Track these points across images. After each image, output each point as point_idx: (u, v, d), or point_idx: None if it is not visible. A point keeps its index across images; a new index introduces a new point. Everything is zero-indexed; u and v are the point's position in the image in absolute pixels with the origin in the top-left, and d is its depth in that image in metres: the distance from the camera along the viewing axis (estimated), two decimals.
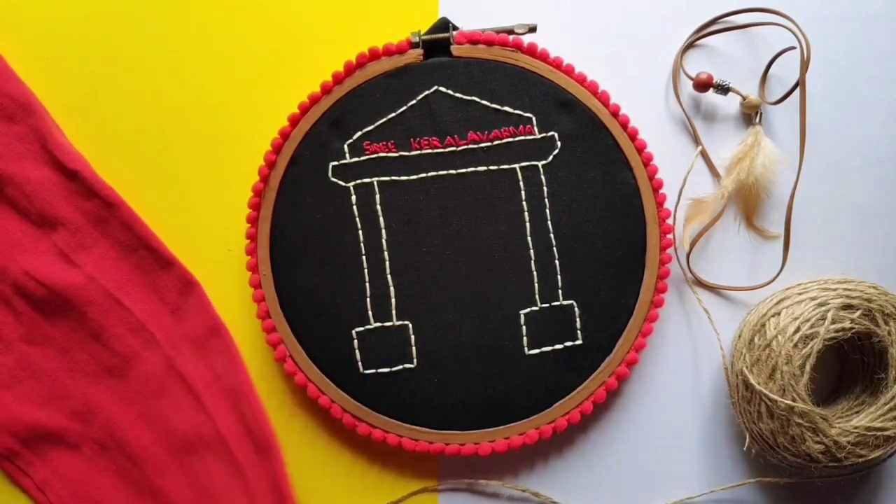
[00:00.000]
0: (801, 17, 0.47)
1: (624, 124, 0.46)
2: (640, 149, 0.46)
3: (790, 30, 0.47)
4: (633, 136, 0.46)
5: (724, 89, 0.48)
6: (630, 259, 0.45)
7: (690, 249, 0.48)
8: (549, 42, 0.48)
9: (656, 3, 0.49)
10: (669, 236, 0.46)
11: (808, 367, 0.43)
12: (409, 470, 0.47)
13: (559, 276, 0.45)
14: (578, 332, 0.45)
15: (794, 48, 0.47)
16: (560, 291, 0.45)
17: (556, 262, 0.45)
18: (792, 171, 0.48)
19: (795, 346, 0.43)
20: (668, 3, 0.49)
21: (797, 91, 0.47)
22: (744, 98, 0.48)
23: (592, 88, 0.46)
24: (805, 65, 0.47)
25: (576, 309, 0.45)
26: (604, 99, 0.46)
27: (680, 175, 0.48)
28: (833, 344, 0.45)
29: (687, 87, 0.49)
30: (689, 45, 0.49)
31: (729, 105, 0.49)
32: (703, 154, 0.49)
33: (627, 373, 0.45)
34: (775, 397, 0.43)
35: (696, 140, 0.49)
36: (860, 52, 0.49)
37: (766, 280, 0.48)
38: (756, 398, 0.44)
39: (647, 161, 0.46)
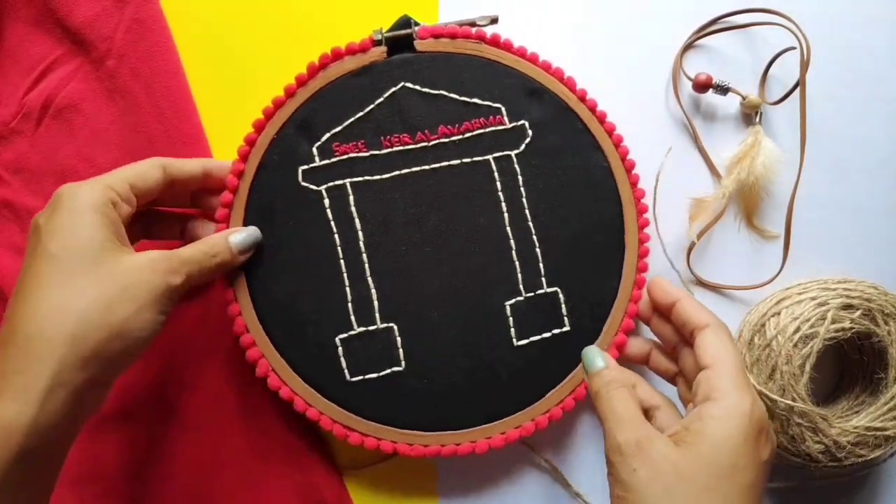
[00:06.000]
0: (801, 17, 0.47)
1: (592, 108, 0.45)
2: (610, 131, 0.45)
3: (790, 30, 0.47)
4: (601, 119, 0.45)
5: (723, 90, 0.48)
6: (609, 241, 0.45)
7: (691, 249, 0.48)
8: (548, 42, 0.48)
9: (656, 3, 0.49)
10: (646, 216, 0.45)
11: (808, 367, 0.43)
12: (409, 471, 0.47)
13: (541, 264, 0.44)
14: (565, 318, 0.44)
15: (794, 48, 0.47)
16: (543, 279, 0.44)
17: (537, 249, 0.44)
18: (792, 171, 0.48)
19: (795, 346, 0.43)
20: (667, 3, 0.49)
21: (797, 91, 0.47)
22: (744, 98, 0.48)
23: (558, 75, 0.45)
24: (805, 65, 0.47)
25: (560, 295, 0.44)
26: (570, 85, 0.45)
27: (680, 175, 0.48)
28: (833, 344, 0.45)
29: (687, 87, 0.49)
30: (689, 46, 0.49)
31: (729, 105, 0.49)
32: (703, 154, 0.49)
33: (617, 354, 0.44)
34: (775, 397, 0.43)
35: (696, 140, 0.49)
36: (860, 52, 0.49)
37: (766, 280, 0.48)
38: None
39: (617, 143, 0.45)
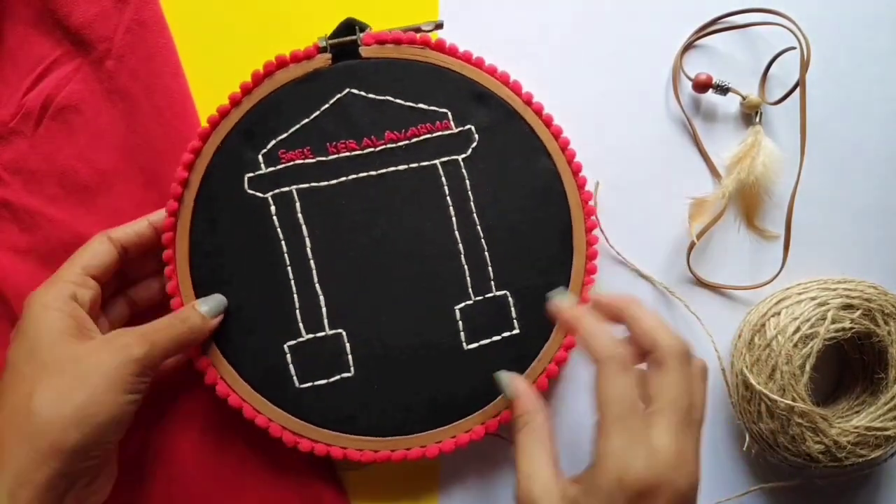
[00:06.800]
0: (801, 17, 0.47)
1: (538, 112, 0.45)
2: (557, 135, 0.45)
3: (790, 30, 0.47)
4: (547, 122, 0.45)
5: (723, 90, 0.48)
6: (557, 244, 0.45)
7: (691, 249, 0.48)
8: (546, 43, 0.48)
9: (656, 3, 0.49)
10: (593, 218, 0.45)
11: (808, 367, 0.43)
12: (410, 468, 0.47)
13: (490, 268, 0.44)
14: (514, 321, 0.44)
15: (794, 48, 0.47)
16: (493, 283, 0.44)
17: (486, 253, 0.44)
18: (792, 171, 0.48)
19: (795, 346, 0.43)
20: (668, 3, 0.49)
21: (797, 91, 0.47)
22: (744, 98, 0.48)
23: (504, 79, 0.45)
24: (805, 65, 0.47)
25: (509, 298, 0.44)
26: (516, 89, 0.45)
27: (679, 176, 0.48)
28: (833, 344, 0.45)
29: (687, 87, 0.49)
30: (689, 46, 0.49)
31: (729, 105, 0.49)
32: (703, 154, 0.49)
33: (567, 357, 0.44)
34: (775, 397, 0.43)
35: (696, 140, 0.49)
36: (860, 52, 0.49)
37: (766, 280, 0.48)
38: (756, 398, 0.44)
39: (563, 146, 0.45)
